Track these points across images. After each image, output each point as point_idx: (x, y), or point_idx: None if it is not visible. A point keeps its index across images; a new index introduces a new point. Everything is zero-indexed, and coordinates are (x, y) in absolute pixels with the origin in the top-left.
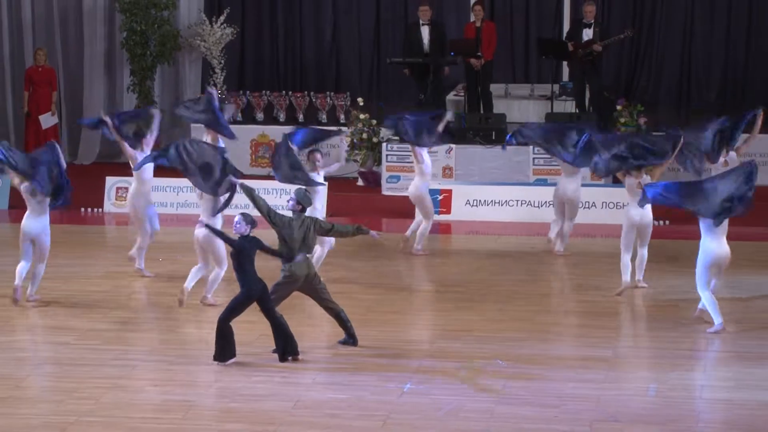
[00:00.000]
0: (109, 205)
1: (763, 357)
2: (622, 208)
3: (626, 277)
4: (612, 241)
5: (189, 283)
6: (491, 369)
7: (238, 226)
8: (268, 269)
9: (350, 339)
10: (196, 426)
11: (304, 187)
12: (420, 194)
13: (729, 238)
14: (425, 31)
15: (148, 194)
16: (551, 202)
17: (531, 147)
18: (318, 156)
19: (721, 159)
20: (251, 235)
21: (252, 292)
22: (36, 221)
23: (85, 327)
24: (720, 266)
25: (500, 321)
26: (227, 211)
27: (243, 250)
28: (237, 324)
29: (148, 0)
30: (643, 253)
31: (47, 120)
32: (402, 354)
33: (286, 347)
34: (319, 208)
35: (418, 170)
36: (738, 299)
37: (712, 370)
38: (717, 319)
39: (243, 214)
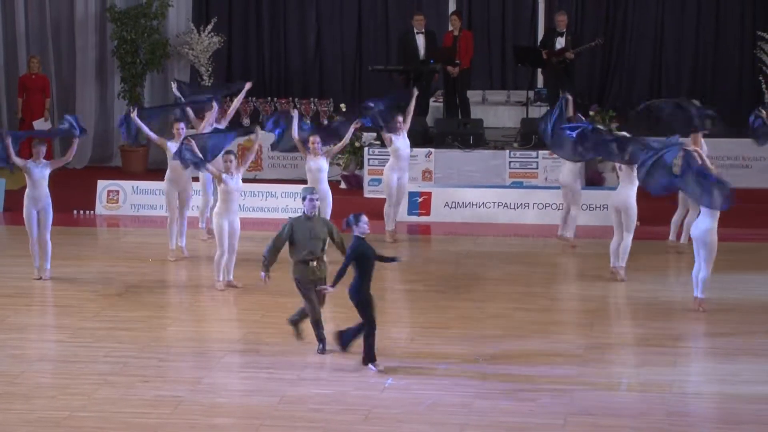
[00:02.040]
0: (101, 207)
1: (730, 353)
2: (601, 209)
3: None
4: (588, 241)
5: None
6: (470, 365)
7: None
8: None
9: (321, 343)
10: (184, 420)
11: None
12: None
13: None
14: (420, 40)
15: None
16: (527, 204)
17: (507, 151)
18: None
19: None
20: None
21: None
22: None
23: (78, 325)
24: None
25: (478, 319)
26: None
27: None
28: (227, 321)
29: (138, 10)
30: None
31: (40, 125)
32: (383, 351)
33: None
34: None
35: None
36: (707, 298)
37: (682, 365)
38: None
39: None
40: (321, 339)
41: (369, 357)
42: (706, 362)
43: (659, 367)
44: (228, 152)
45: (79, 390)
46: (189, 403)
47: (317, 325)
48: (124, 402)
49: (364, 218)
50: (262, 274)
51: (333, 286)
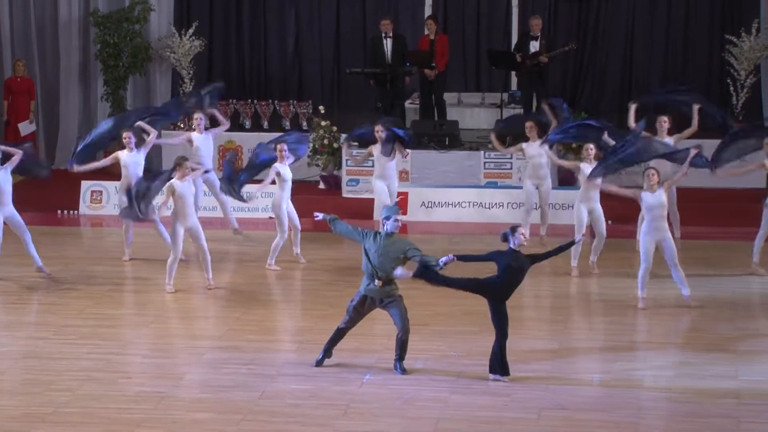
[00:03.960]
0: (84, 207)
1: (699, 349)
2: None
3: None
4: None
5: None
6: (446, 360)
7: None
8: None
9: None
10: (167, 416)
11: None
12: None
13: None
14: (388, 44)
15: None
16: (501, 204)
17: (482, 152)
18: (284, 147)
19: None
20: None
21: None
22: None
23: (62, 323)
24: None
25: (454, 316)
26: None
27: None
28: (208, 319)
29: (121, 14)
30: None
31: (26, 127)
32: (361, 347)
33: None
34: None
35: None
36: (679, 294)
37: (653, 361)
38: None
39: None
40: (325, 351)
41: (495, 366)
42: (676, 358)
43: (631, 363)
44: (182, 158)
45: (64, 386)
46: (171, 399)
47: (334, 341)
48: (108, 398)
49: (521, 230)
50: (319, 215)
51: (452, 258)
